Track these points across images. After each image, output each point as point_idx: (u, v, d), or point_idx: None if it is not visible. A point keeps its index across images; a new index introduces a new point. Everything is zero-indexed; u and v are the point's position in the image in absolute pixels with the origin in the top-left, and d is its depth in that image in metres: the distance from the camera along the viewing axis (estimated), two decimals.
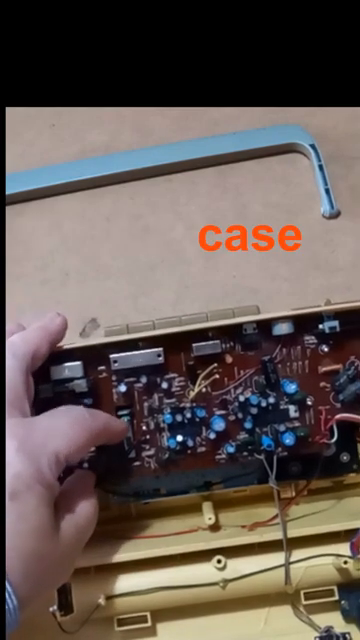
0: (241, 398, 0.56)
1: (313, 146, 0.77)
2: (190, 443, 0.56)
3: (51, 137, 0.83)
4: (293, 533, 0.55)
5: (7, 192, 0.78)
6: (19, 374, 0.50)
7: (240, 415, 0.56)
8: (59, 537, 0.47)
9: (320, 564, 0.55)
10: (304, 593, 0.55)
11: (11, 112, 0.81)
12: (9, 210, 0.79)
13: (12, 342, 0.52)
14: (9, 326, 0.54)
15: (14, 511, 0.44)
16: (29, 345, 0.52)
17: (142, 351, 0.55)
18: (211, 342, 0.56)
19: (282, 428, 0.56)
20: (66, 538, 0.47)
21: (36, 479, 0.45)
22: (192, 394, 0.56)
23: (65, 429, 0.49)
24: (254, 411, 0.56)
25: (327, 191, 0.75)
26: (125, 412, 0.56)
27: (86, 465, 0.55)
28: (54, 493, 0.47)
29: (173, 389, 0.56)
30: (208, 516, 0.57)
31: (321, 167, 0.76)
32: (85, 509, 0.50)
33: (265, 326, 0.56)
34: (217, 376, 0.56)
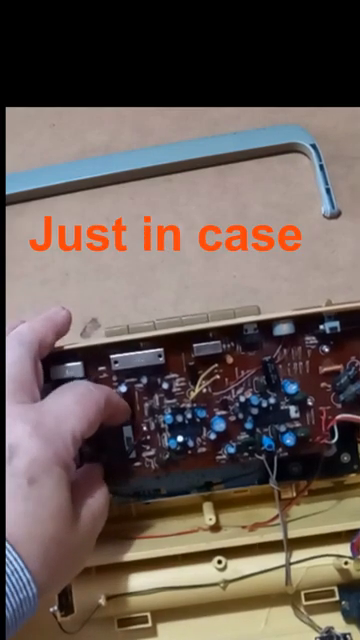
0: (242, 398, 0.56)
1: (314, 146, 0.77)
2: (191, 443, 0.56)
3: (51, 137, 0.83)
4: (294, 533, 0.55)
5: (7, 192, 0.78)
6: (28, 360, 0.50)
7: (241, 415, 0.56)
8: (78, 523, 0.47)
9: (321, 565, 0.55)
10: (304, 594, 0.55)
11: (11, 112, 0.81)
12: (9, 210, 0.79)
13: (19, 331, 0.52)
14: (10, 322, 0.54)
15: (33, 496, 0.44)
16: (36, 333, 0.52)
17: (143, 351, 0.55)
18: (212, 342, 0.55)
19: (283, 428, 0.56)
20: (84, 524, 0.47)
21: (54, 461, 0.45)
22: (193, 394, 0.56)
23: (75, 407, 0.49)
24: (255, 411, 0.56)
25: (328, 191, 0.75)
26: None
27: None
28: (71, 474, 0.47)
29: (174, 389, 0.56)
30: (209, 516, 0.57)
31: (322, 167, 0.76)
32: (99, 498, 0.50)
33: (266, 326, 0.56)
34: (218, 376, 0.56)
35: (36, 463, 0.44)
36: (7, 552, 0.41)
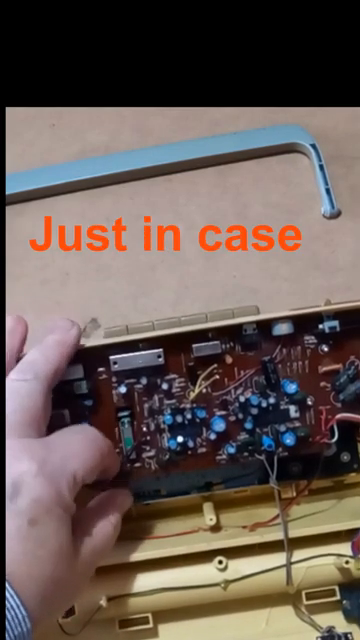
0: (241, 398, 0.56)
1: (314, 146, 0.77)
2: (190, 444, 0.56)
3: (51, 137, 0.83)
4: (294, 533, 0.55)
5: (7, 192, 0.78)
6: (40, 397, 0.49)
7: (240, 415, 0.56)
8: (77, 562, 0.47)
9: (321, 564, 0.55)
10: (305, 593, 0.55)
11: (11, 112, 0.81)
12: (9, 210, 0.78)
13: (33, 360, 0.51)
14: (9, 320, 0.53)
15: (33, 536, 0.44)
16: (51, 364, 0.51)
17: (142, 352, 0.55)
18: (211, 343, 0.55)
19: (282, 428, 0.56)
20: (82, 562, 0.47)
21: (56, 502, 0.45)
22: (192, 395, 0.56)
23: (81, 449, 0.49)
24: (254, 411, 0.56)
25: (328, 191, 0.75)
26: (125, 413, 0.56)
27: None
28: (72, 514, 0.47)
29: (173, 390, 0.56)
30: (209, 517, 0.57)
31: (322, 167, 0.76)
32: (103, 530, 0.50)
33: (265, 326, 0.56)
34: (217, 377, 0.56)
35: (38, 504, 0.44)
36: (6, 590, 0.42)
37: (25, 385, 0.49)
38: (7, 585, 0.42)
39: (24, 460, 0.45)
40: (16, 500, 0.44)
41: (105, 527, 0.51)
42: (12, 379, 0.50)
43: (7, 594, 0.42)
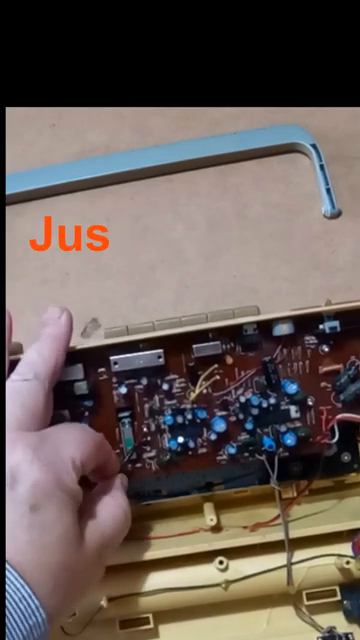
0: (242, 399, 0.56)
1: (314, 146, 0.77)
2: (191, 444, 0.56)
3: (51, 137, 0.83)
4: (295, 533, 0.55)
5: (7, 192, 0.78)
6: (42, 396, 0.50)
7: (241, 416, 0.56)
8: (84, 547, 0.46)
9: (322, 564, 0.55)
10: (306, 593, 0.55)
11: (11, 112, 0.81)
12: (9, 210, 0.78)
13: (31, 361, 0.51)
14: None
15: (37, 523, 0.44)
16: (49, 364, 0.51)
17: (142, 352, 0.55)
18: (211, 343, 0.55)
19: (283, 428, 0.56)
20: (91, 546, 0.47)
21: (56, 486, 0.45)
22: (193, 395, 0.56)
23: (74, 436, 0.49)
24: (255, 412, 0.56)
25: (328, 191, 0.75)
26: (126, 414, 0.56)
27: None
28: (76, 499, 0.47)
29: (174, 390, 0.56)
30: (210, 517, 0.57)
31: (322, 167, 0.76)
32: (112, 514, 0.50)
33: (265, 327, 0.56)
34: (218, 377, 0.56)
35: (38, 488, 0.44)
36: (15, 580, 0.42)
37: (26, 385, 0.50)
38: (16, 575, 0.42)
39: (18, 448, 0.45)
40: (15, 488, 0.44)
41: (114, 510, 0.50)
42: (13, 379, 0.50)
43: (17, 584, 0.41)
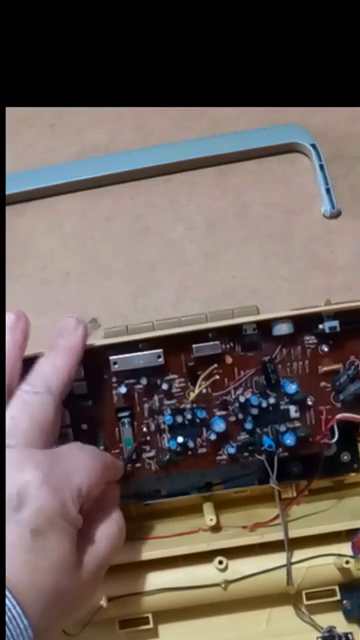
0: (241, 399, 0.56)
1: (314, 146, 0.77)
2: (191, 444, 0.56)
3: (51, 137, 0.82)
4: (294, 533, 0.55)
5: (7, 192, 0.78)
6: (52, 410, 0.50)
7: (240, 416, 0.56)
8: (80, 572, 0.47)
9: (322, 564, 0.55)
10: (306, 593, 0.55)
11: (11, 112, 0.81)
12: (9, 210, 0.78)
13: (44, 373, 0.51)
14: (9, 316, 0.53)
15: (36, 547, 0.44)
16: (62, 377, 0.51)
17: (142, 352, 0.55)
18: (211, 343, 0.56)
19: (283, 428, 0.56)
20: (87, 570, 0.47)
21: (59, 514, 0.45)
22: (192, 395, 0.56)
23: (85, 463, 0.49)
24: (254, 412, 0.56)
25: (328, 191, 0.75)
26: (125, 414, 0.56)
27: None
28: (76, 527, 0.47)
29: (173, 390, 0.56)
30: (209, 517, 0.57)
31: (322, 167, 0.76)
32: (107, 533, 0.50)
33: (265, 326, 0.56)
34: (217, 377, 0.56)
35: (42, 514, 0.44)
36: (7, 600, 0.42)
37: (37, 398, 0.49)
38: (8, 594, 0.42)
39: (30, 469, 0.45)
40: (20, 510, 0.44)
41: (109, 528, 0.50)
42: (24, 390, 0.50)
43: (9, 603, 0.42)
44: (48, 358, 0.52)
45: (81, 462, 0.49)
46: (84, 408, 0.56)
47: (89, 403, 0.56)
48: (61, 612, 0.46)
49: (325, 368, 0.57)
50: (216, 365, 0.56)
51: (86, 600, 0.49)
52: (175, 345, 0.56)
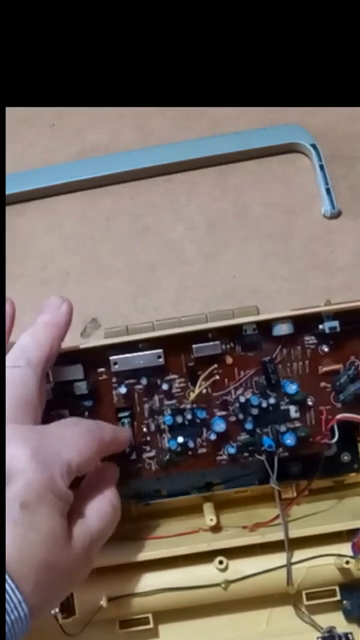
0: (242, 399, 0.56)
1: (314, 146, 0.77)
2: (191, 444, 0.56)
3: (51, 137, 0.82)
4: (294, 533, 0.55)
5: (7, 192, 0.78)
6: (34, 382, 0.50)
7: (241, 416, 0.56)
8: (71, 546, 0.46)
9: (322, 564, 0.55)
10: (306, 593, 0.55)
11: (11, 112, 0.81)
12: (9, 210, 0.78)
13: (25, 346, 0.51)
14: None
15: (25, 521, 0.44)
16: (43, 349, 0.51)
17: (142, 353, 0.55)
18: (211, 343, 0.56)
19: (283, 428, 0.56)
20: (78, 544, 0.47)
21: (48, 488, 0.45)
22: (192, 395, 0.56)
23: (76, 439, 0.49)
24: (255, 412, 0.56)
25: (328, 191, 0.75)
26: (125, 414, 0.56)
27: None
28: (67, 502, 0.47)
29: (173, 390, 0.56)
30: (209, 517, 0.57)
31: (322, 167, 0.76)
32: (100, 510, 0.50)
33: (265, 327, 0.56)
34: (217, 377, 0.56)
35: (30, 488, 0.44)
36: None
37: (18, 372, 0.49)
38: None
39: (17, 445, 0.45)
40: (9, 484, 0.44)
41: (101, 505, 0.50)
42: (5, 366, 0.50)
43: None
44: (29, 332, 0.52)
45: (72, 438, 0.49)
46: (84, 408, 0.56)
47: (89, 403, 0.56)
48: (54, 587, 0.46)
49: (325, 368, 0.57)
50: (216, 365, 0.56)
51: (79, 577, 0.49)
52: (175, 345, 0.56)
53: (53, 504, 0.45)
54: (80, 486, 0.51)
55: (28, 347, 0.51)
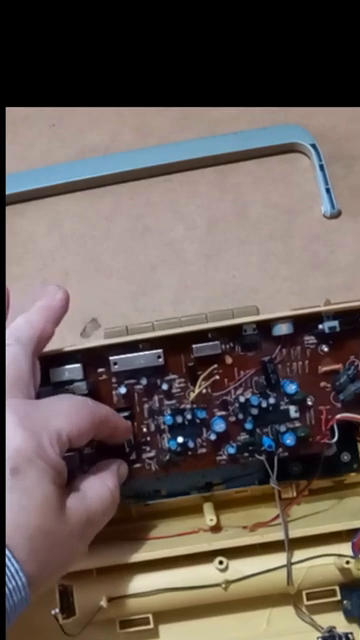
0: (241, 399, 0.56)
1: (314, 146, 0.77)
2: (191, 444, 0.56)
3: (51, 137, 0.83)
4: (295, 533, 0.55)
5: (7, 192, 0.78)
6: (24, 359, 0.50)
7: (240, 416, 0.56)
8: (66, 516, 0.46)
9: (322, 564, 0.55)
10: (306, 593, 0.55)
11: (11, 112, 0.81)
12: (9, 210, 0.79)
13: (16, 326, 0.51)
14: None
15: (16, 486, 0.44)
16: (34, 329, 0.52)
17: (142, 353, 0.55)
18: (211, 343, 0.55)
19: (283, 428, 0.56)
20: (74, 517, 0.47)
21: (37, 454, 0.45)
22: (192, 395, 0.56)
23: (68, 409, 0.49)
24: (254, 412, 0.56)
25: (328, 191, 0.75)
26: (125, 414, 0.56)
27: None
28: (59, 471, 0.47)
29: (173, 390, 0.56)
30: (209, 517, 0.57)
31: (322, 167, 0.76)
32: (98, 492, 0.50)
33: (265, 326, 0.56)
34: (217, 377, 0.56)
35: (19, 454, 0.44)
36: None
37: (8, 350, 0.50)
38: None
39: (6, 413, 0.46)
40: None
41: (100, 488, 0.51)
42: None
43: None
44: (23, 315, 0.53)
45: (63, 408, 0.49)
46: None
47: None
48: (50, 556, 0.45)
49: (325, 368, 0.57)
50: (216, 365, 0.56)
51: (74, 552, 0.48)
52: (175, 345, 0.56)
53: (43, 470, 0.45)
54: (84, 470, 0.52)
55: (19, 327, 0.52)
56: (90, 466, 0.53)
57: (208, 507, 0.58)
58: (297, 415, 0.57)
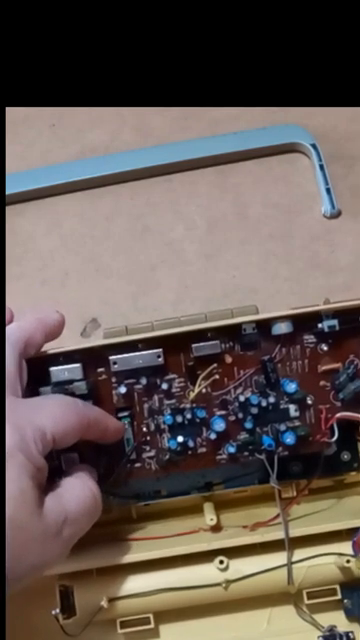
0: (241, 398, 0.56)
1: (314, 146, 0.77)
2: (191, 444, 0.56)
3: (51, 137, 0.83)
4: (295, 533, 0.55)
5: (7, 192, 0.78)
6: (12, 357, 0.50)
7: (240, 415, 0.56)
8: (42, 514, 0.46)
9: (322, 563, 0.55)
10: (307, 592, 0.55)
11: (11, 112, 0.81)
12: (9, 210, 0.79)
13: (8, 328, 0.52)
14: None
15: None
16: (23, 332, 0.52)
17: (141, 352, 0.55)
18: (210, 342, 0.55)
19: (282, 427, 0.56)
20: (50, 515, 0.47)
21: (19, 447, 0.45)
22: (192, 395, 0.56)
23: (54, 408, 0.49)
24: (254, 411, 0.56)
25: (328, 191, 0.75)
26: (125, 414, 0.56)
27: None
28: (39, 468, 0.47)
29: (173, 390, 0.56)
30: (209, 517, 0.57)
31: (322, 167, 0.76)
32: (78, 495, 0.50)
33: (264, 326, 0.56)
34: (217, 376, 0.56)
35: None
36: None
37: None
38: None
39: None
40: None
41: (81, 489, 0.50)
42: None
43: None
44: (16, 322, 0.54)
45: (49, 407, 0.49)
46: None
47: (89, 403, 0.56)
48: (24, 551, 0.45)
49: (324, 367, 0.57)
50: (216, 365, 0.56)
51: (49, 553, 0.47)
52: (175, 345, 0.56)
53: (23, 465, 0.45)
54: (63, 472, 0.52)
55: (10, 329, 0.52)
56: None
57: (208, 507, 0.58)
58: (297, 414, 0.57)
